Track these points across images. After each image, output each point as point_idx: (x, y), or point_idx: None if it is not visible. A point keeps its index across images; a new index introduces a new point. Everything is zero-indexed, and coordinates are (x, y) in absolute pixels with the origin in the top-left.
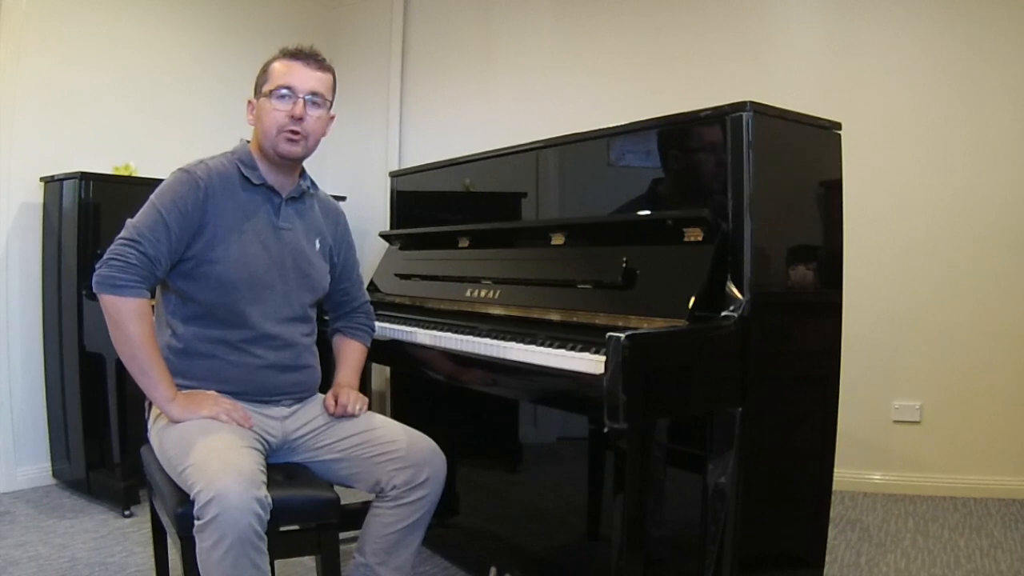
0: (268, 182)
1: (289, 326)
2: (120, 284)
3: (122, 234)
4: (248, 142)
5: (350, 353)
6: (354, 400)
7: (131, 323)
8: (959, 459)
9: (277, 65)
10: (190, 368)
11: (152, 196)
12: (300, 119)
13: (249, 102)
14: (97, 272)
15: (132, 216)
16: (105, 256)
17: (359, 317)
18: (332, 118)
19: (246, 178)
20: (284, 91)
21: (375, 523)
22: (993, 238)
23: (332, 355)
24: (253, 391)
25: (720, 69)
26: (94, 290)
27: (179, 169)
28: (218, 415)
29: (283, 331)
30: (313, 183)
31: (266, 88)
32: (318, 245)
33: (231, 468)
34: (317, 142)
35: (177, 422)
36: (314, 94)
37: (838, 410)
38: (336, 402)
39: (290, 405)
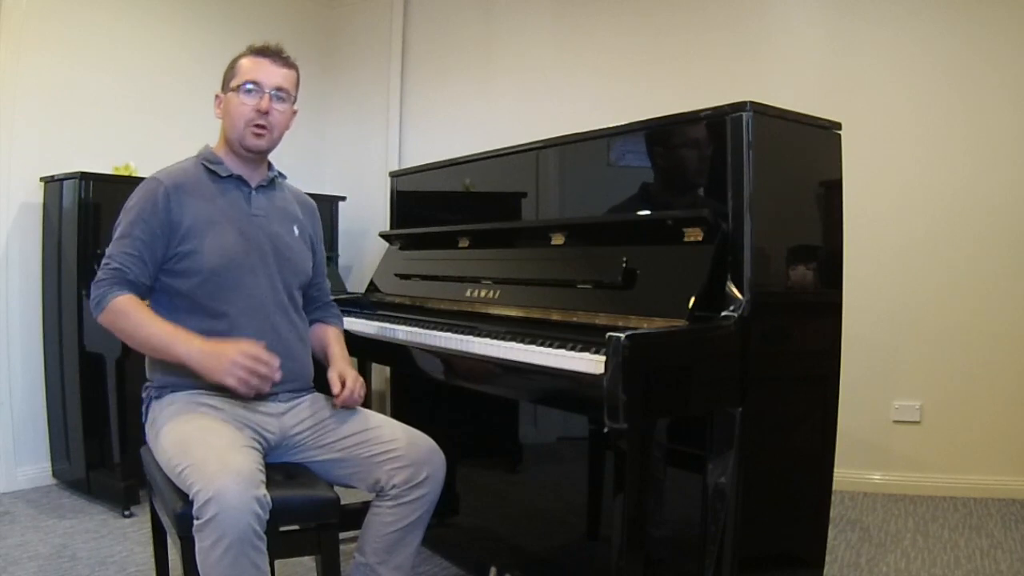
0: (236, 173)
1: (276, 311)
2: (103, 298)
3: (102, 262)
4: (212, 147)
5: (335, 337)
6: (355, 381)
7: (123, 319)
8: (959, 459)
9: (244, 62)
10: (181, 367)
11: (121, 213)
12: (266, 113)
13: (216, 96)
14: (90, 304)
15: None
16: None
17: (332, 309)
18: (295, 112)
19: (213, 172)
20: (251, 86)
21: (375, 522)
22: (993, 238)
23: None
24: None
25: (720, 69)
26: (95, 318)
27: (143, 179)
28: (238, 386)
29: (270, 317)
30: (281, 173)
31: (234, 83)
32: (297, 231)
33: (230, 467)
34: (281, 135)
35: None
36: (279, 89)
37: (838, 410)
38: (343, 385)
39: (287, 400)
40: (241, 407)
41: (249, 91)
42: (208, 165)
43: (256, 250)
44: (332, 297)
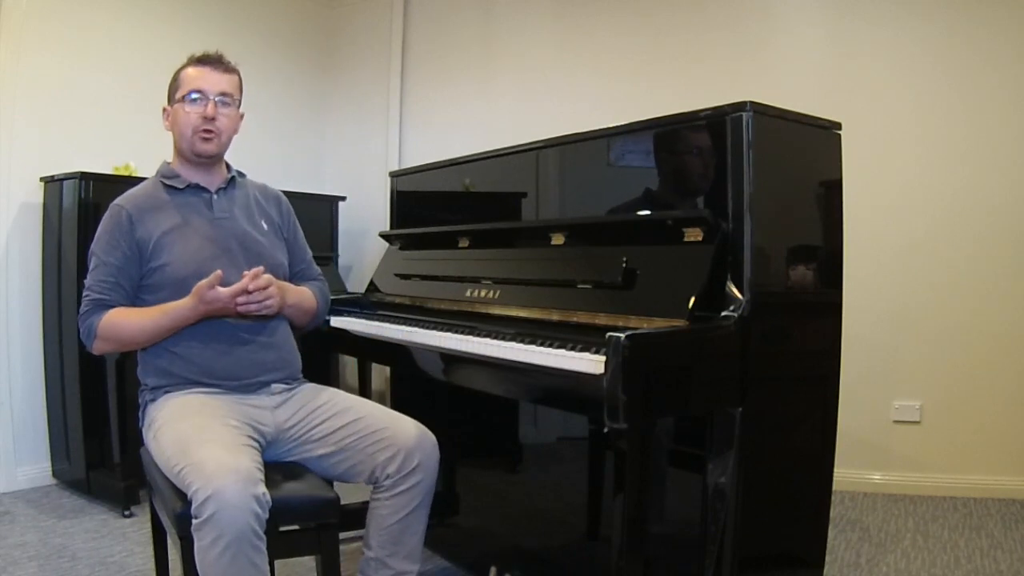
0: (193, 182)
1: None
2: (91, 328)
3: (83, 294)
4: (169, 163)
5: (300, 287)
6: (269, 283)
7: (118, 333)
8: (959, 459)
9: (187, 72)
10: (170, 366)
11: (92, 244)
12: (212, 119)
13: (164, 109)
14: (82, 339)
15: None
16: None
17: (317, 284)
18: (242, 116)
19: (171, 187)
20: (196, 95)
21: (376, 516)
22: (993, 238)
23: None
24: (236, 375)
25: (720, 69)
26: (91, 350)
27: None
28: (225, 308)
29: (248, 315)
30: (240, 172)
31: (179, 94)
32: (266, 225)
33: (228, 466)
34: (230, 139)
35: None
36: (223, 95)
37: (838, 410)
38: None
39: (279, 392)
40: (236, 402)
41: (194, 100)
42: (165, 181)
43: (225, 252)
44: (332, 296)
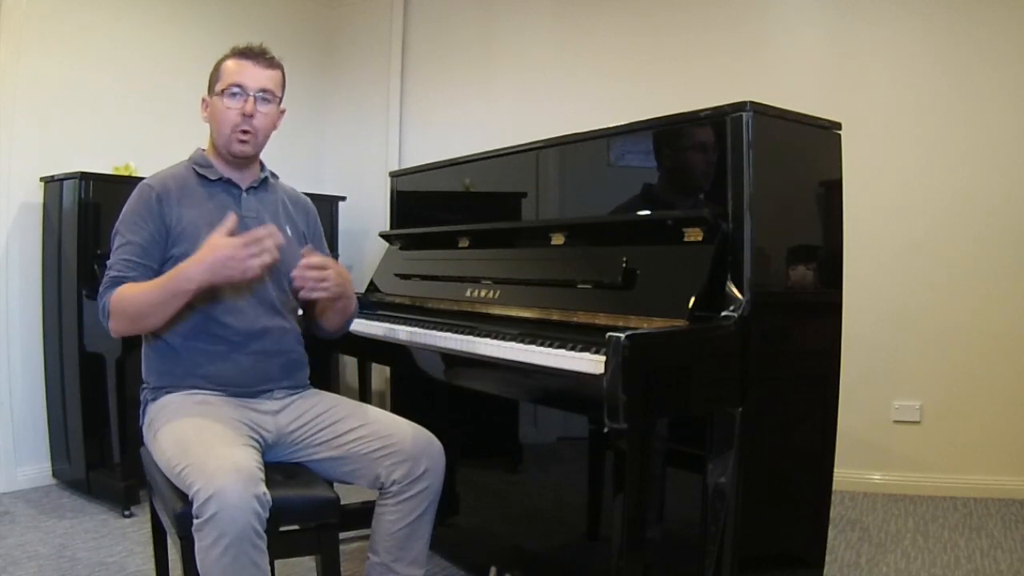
0: (226, 176)
1: (266, 312)
2: (105, 306)
3: (105, 272)
4: (204, 150)
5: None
6: (337, 266)
7: (127, 308)
8: (959, 459)
9: (228, 64)
10: (175, 368)
11: (117, 222)
12: (251, 116)
13: (203, 99)
14: (100, 319)
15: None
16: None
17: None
18: (283, 112)
19: (203, 176)
20: (235, 89)
21: (382, 522)
22: (993, 238)
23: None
24: (240, 382)
25: (720, 69)
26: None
27: (138, 183)
28: (260, 267)
29: (260, 317)
30: (273, 173)
31: (219, 87)
32: (290, 232)
33: (229, 466)
34: (267, 137)
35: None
36: (264, 91)
37: (838, 410)
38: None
39: (282, 398)
40: (237, 405)
41: (234, 95)
42: (198, 169)
43: None
44: None
